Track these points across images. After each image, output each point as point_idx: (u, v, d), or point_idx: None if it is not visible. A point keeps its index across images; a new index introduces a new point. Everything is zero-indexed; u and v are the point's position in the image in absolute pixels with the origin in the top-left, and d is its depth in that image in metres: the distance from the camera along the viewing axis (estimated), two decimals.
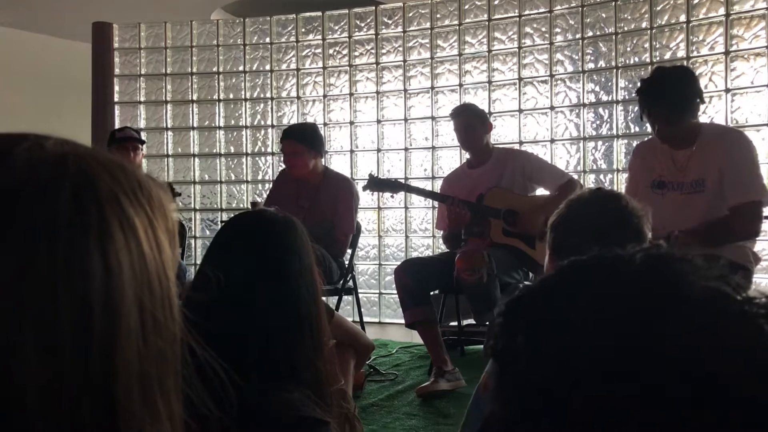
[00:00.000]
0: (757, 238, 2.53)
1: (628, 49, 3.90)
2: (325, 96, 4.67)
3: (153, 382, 0.42)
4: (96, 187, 0.41)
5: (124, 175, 0.43)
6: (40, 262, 0.38)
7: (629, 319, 0.37)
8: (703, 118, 3.56)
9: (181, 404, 0.45)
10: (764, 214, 2.50)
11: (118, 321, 0.40)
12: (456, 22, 4.34)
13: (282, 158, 3.42)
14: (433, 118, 4.40)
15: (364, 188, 3.27)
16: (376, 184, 3.25)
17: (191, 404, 0.48)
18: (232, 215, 1.46)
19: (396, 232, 4.49)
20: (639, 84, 2.52)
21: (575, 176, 3.96)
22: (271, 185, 3.84)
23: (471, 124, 3.16)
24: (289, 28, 4.71)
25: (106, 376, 0.39)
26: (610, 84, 3.96)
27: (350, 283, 3.49)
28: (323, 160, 3.41)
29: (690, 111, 2.38)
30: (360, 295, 3.69)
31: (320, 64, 4.66)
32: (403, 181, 4.37)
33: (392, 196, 3.57)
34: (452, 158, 4.29)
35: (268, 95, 4.74)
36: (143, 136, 4.09)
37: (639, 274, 0.40)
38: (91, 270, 0.39)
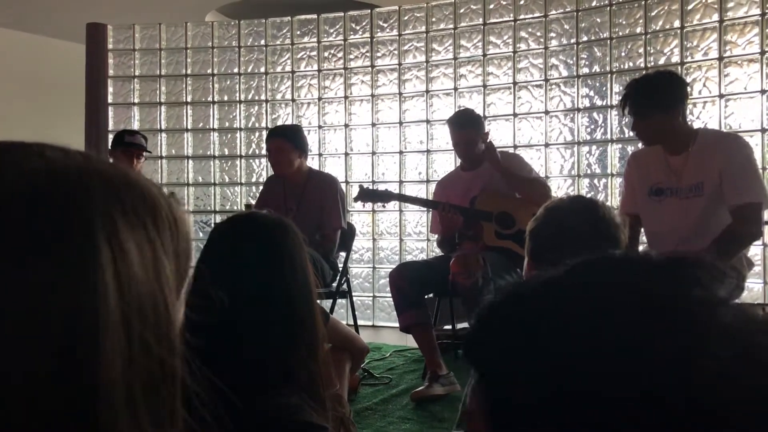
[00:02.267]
0: (754, 242, 2.54)
1: (623, 54, 3.91)
2: (320, 99, 4.66)
3: (139, 404, 0.40)
4: (87, 202, 0.40)
5: (129, 190, 0.42)
6: (19, 274, 0.37)
7: (619, 329, 0.37)
8: (697, 124, 3.58)
9: (178, 426, 0.43)
10: (765, 218, 2.51)
11: (102, 340, 0.38)
12: (451, 26, 4.35)
13: (268, 157, 3.46)
14: (428, 121, 4.40)
15: (356, 199, 3.27)
16: (367, 195, 3.25)
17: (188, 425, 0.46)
18: (226, 217, 1.45)
19: (390, 235, 4.48)
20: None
21: (569, 180, 3.99)
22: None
23: (471, 139, 3.16)
24: (284, 31, 4.70)
25: (89, 398, 0.38)
26: (604, 89, 3.97)
27: (344, 286, 3.48)
28: (307, 160, 3.44)
29: (659, 108, 2.39)
30: (354, 299, 3.68)
31: (315, 67, 4.66)
32: (397, 184, 4.37)
33: (384, 206, 3.58)
34: (447, 161, 4.29)
35: (263, 97, 4.73)
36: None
37: (636, 284, 0.39)
38: (74, 286, 0.38)
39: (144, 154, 3.79)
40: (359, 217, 4.50)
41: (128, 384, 0.40)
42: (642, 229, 2.65)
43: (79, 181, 0.40)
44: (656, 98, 2.39)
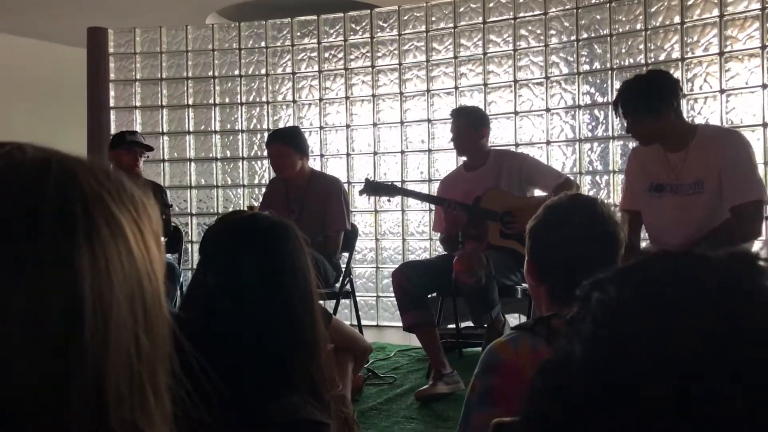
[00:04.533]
0: (755, 240, 2.53)
1: (623, 50, 3.91)
2: (321, 99, 4.67)
3: (144, 380, 0.42)
4: (81, 187, 0.41)
5: (108, 178, 0.43)
6: (25, 260, 0.38)
7: (708, 314, 0.37)
8: (698, 120, 3.58)
9: (169, 405, 0.45)
10: (765, 214, 2.50)
11: (110, 317, 0.40)
12: (451, 25, 4.35)
13: (270, 162, 3.47)
14: (429, 120, 4.41)
15: (361, 192, 3.28)
16: (373, 188, 3.26)
17: (179, 409, 0.48)
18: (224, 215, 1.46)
19: (393, 234, 4.49)
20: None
21: (571, 177, 3.97)
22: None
23: (463, 130, 3.17)
24: (285, 32, 4.71)
25: (98, 374, 0.39)
26: (605, 85, 3.97)
27: (348, 286, 3.49)
28: (310, 161, 3.45)
29: (648, 111, 2.39)
30: (357, 299, 3.69)
31: (316, 68, 4.66)
32: (399, 184, 4.37)
33: (389, 200, 3.58)
34: (449, 161, 4.29)
35: (264, 99, 4.74)
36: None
37: (721, 274, 0.39)
38: (80, 266, 0.39)
39: (147, 154, 3.82)
40: (362, 217, 4.50)
41: (134, 362, 0.41)
42: (643, 226, 2.65)
43: (66, 168, 0.42)
44: (644, 102, 2.39)
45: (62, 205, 0.40)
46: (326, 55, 4.65)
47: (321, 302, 1.25)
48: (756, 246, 2.96)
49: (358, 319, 3.60)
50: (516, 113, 4.19)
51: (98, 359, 0.39)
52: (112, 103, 4.84)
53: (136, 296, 0.42)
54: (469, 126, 3.18)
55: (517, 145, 4.15)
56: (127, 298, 0.41)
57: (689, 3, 3.67)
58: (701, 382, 0.35)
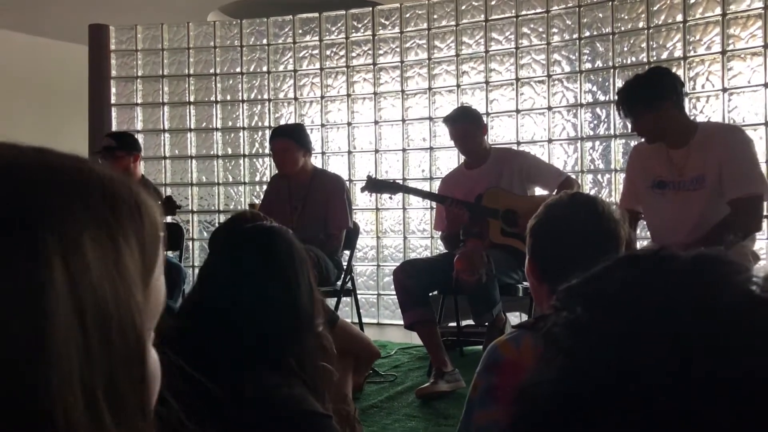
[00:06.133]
0: (757, 237, 2.53)
1: (625, 48, 3.90)
2: (322, 97, 4.66)
3: (101, 405, 0.38)
4: (30, 201, 0.38)
5: (83, 183, 0.40)
6: None
7: (671, 314, 0.37)
8: (701, 118, 3.57)
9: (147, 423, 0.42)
10: (765, 211, 2.51)
11: (49, 346, 0.36)
12: (453, 23, 4.34)
13: (273, 158, 3.47)
14: (430, 118, 4.40)
15: (362, 190, 3.28)
16: (374, 185, 3.27)
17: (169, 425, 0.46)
18: (230, 217, 1.51)
19: (394, 233, 4.48)
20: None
21: (573, 176, 3.97)
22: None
23: (468, 132, 3.16)
24: (286, 30, 4.71)
25: (46, 398, 0.36)
26: (607, 84, 3.96)
27: (349, 284, 3.49)
28: (312, 159, 3.45)
29: (648, 106, 2.39)
30: (359, 296, 3.69)
31: (317, 66, 4.66)
32: (401, 182, 4.37)
33: (390, 198, 3.58)
34: (450, 159, 4.29)
35: (266, 96, 4.74)
36: (141, 138, 4.06)
37: (686, 273, 0.39)
38: (16, 285, 0.36)
39: (118, 153, 3.52)
40: (363, 215, 4.50)
41: (87, 387, 0.38)
42: (645, 223, 2.65)
43: (18, 179, 0.39)
44: (643, 98, 2.40)
45: (9, 219, 0.37)
46: (328, 52, 4.64)
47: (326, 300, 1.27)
48: (759, 243, 2.96)
49: (359, 317, 3.60)
50: (518, 111, 4.18)
51: (44, 382, 0.36)
52: (113, 100, 4.84)
53: (88, 315, 0.38)
54: (473, 125, 3.18)
55: (518, 143, 4.14)
56: (74, 317, 0.37)
57: (692, 1, 3.66)
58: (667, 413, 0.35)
